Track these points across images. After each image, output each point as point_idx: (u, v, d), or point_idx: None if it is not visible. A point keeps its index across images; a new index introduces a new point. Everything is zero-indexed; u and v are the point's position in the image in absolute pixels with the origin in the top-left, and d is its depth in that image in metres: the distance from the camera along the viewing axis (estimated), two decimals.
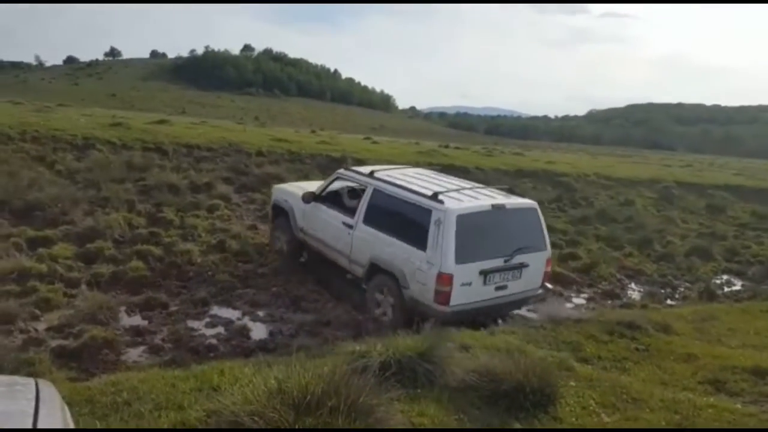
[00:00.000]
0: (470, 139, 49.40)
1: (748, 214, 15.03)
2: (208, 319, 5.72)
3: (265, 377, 3.19)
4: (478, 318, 5.80)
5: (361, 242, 6.30)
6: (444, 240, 5.41)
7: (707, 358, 4.48)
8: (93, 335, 4.92)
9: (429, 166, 14.69)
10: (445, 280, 5.35)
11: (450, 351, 3.98)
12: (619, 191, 16.12)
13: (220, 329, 5.52)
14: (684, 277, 9.58)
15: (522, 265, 5.91)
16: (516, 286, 5.93)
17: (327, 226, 6.90)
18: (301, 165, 13.07)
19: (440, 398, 3.41)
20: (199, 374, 3.66)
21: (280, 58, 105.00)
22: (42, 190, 8.87)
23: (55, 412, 1.41)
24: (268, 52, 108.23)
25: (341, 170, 7.46)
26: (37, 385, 1.52)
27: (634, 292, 8.64)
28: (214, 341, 5.19)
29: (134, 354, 4.90)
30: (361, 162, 13.89)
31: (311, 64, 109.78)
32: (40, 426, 1.29)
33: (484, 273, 5.60)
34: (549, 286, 6.54)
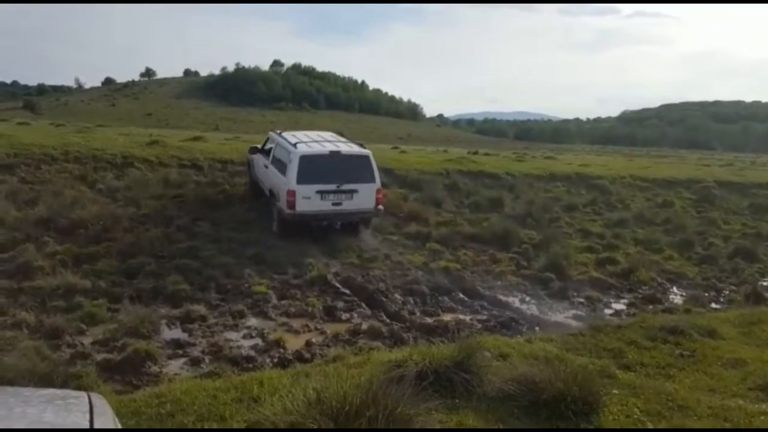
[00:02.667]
0: (500, 144, 48.95)
1: None
2: (245, 331, 5.83)
3: (304, 387, 3.22)
4: (323, 222, 9.25)
5: (269, 176, 9.81)
6: (292, 170, 8.81)
7: (757, 363, 4.28)
8: (136, 348, 5.07)
9: (458, 173, 14.69)
10: (290, 193, 8.75)
11: (487, 360, 3.94)
12: (656, 193, 15.68)
13: (258, 340, 5.62)
14: (728, 280, 9.22)
15: (353, 191, 9.09)
16: (349, 205, 9.12)
17: (260, 168, 10.56)
18: None
19: (479, 408, 3.37)
20: (239, 385, 3.72)
21: (308, 72, 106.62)
22: (84, 208, 9.24)
23: (109, 424, 1.45)
24: (296, 67, 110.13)
25: (271, 132, 10.84)
26: (89, 397, 1.57)
27: (677, 296, 8.36)
28: (252, 352, 5.27)
29: (175, 366, 5.02)
30: (390, 171, 13.95)
31: (339, 76, 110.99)
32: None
33: (321, 192, 8.89)
34: (381, 208, 9.50)
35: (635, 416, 3.36)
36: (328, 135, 10.69)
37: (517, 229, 10.70)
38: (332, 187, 8.95)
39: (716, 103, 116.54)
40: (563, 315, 7.15)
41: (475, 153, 21.19)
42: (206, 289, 6.95)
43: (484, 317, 6.69)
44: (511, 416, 3.31)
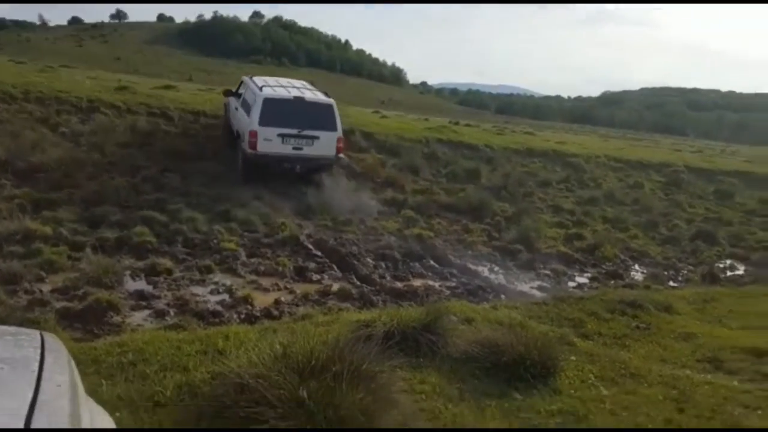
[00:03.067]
0: (481, 116, 48.82)
1: (755, 201, 14.90)
2: (212, 286, 5.75)
3: (270, 342, 3.22)
4: (283, 164, 9.40)
5: (238, 118, 10.20)
6: (255, 111, 9.16)
7: (707, 337, 4.49)
8: (98, 298, 4.95)
9: (438, 142, 14.64)
10: (252, 134, 9.09)
11: (453, 323, 4.00)
12: (628, 174, 16.00)
13: (225, 296, 5.57)
14: (688, 260, 9.57)
15: (314, 137, 9.41)
16: (310, 150, 9.44)
17: (231, 111, 10.95)
18: None
19: (441, 367, 3.45)
20: (204, 338, 3.70)
21: (289, 26, 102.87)
22: (45, 152, 8.87)
23: (61, 360, 1.41)
24: (277, 20, 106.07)
25: (244, 77, 11.12)
26: (42, 335, 1.53)
27: (638, 273, 8.64)
28: (218, 308, 5.22)
29: (139, 317, 4.95)
30: (370, 136, 13.81)
31: (322, 33, 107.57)
32: (45, 371, 1.29)
33: (282, 135, 9.23)
34: (342, 156, 9.93)
35: (590, 381, 3.50)
36: (297, 83, 11.04)
37: (492, 201, 10.81)
38: (294, 131, 9.33)
39: (694, 90, 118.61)
40: (528, 285, 7.33)
41: (456, 123, 21.11)
42: (173, 243, 6.82)
43: (453, 284, 6.80)
44: (472, 376, 3.39)
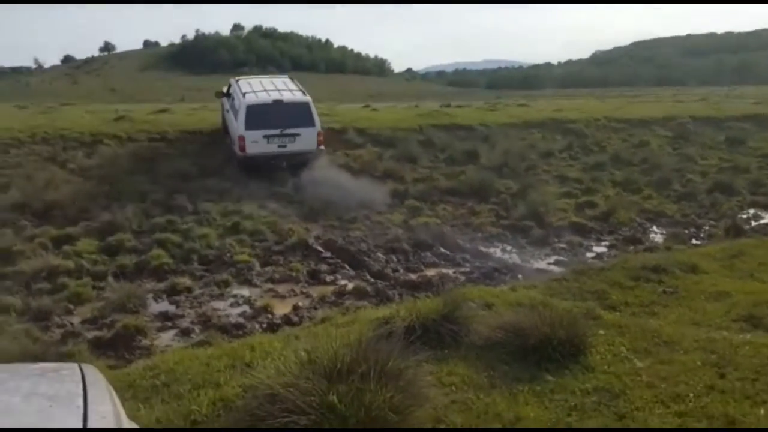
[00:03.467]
0: (472, 95, 48.30)
1: None
2: (232, 299, 5.84)
3: (295, 349, 3.24)
4: (271, 161, 10.27)
5: (229, 120, 11.22)
6: (241, 118, 10.23)
7: (740, 294, 4.40)
8: (125, 324, 5.08)
9: (431, 127, 14.53)
10: (240, 138, 10.18)
11: (473, 310, 3.99)
12: (631, 133, 15.73)
13: (245, 308, 5.64)
14: (708, 215, 9.42)
15: (295, 134, 10.41)
16: (293, 146, 10.43)
17: (224, 111, 12.03)
18: None
19: (467, 357, 3.44)
20: (231, 351, 3.73)
21: (270, 34, 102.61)
22: (58, 189, 9.02)
23: (103, 392, 1.48)
24: (257, 30, 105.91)
25: (231, 79, 12.22)
26: (81, 368, 1.60)
27: (657, 235, 8.54)
28: (240, 320, 5.30)
29: (166, 338, 5.03)
30: (363, 131, 13.75)
31: (302, 36, 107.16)
32: (89, 403, 1.37)
33: (267, 136, 10.23)
34: (323, 148, 10.74)
35: (622, 354, 3.46)
36: (279, 82, 11.90)
37: (494, 180, 10.72)
38: (276, 131, 10.35)
39: (688, 37, 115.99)
40: (545, 261, 7.29)
41: (448, 106, 20.85)
42: (189, 261, 6.91)
43: (467, 269, 6.79)
44: (500, 362, 3.38)
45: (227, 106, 11.65)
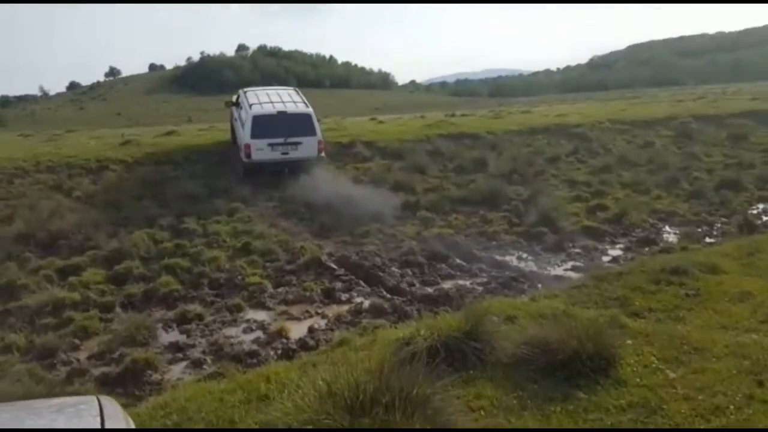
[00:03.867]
0: (475, 104, 48.52)
1: None
2: (244, 325, 5.69)
3: (313, 380, 3.10)
4: (274, 168, 11.00)
5: (237, 128, 12.11)
6: (247, 127, 11.02)
7: (763, 294, 4.25)
8: (134, 358, 4.93)
9: (439, 137, 14.48)
10: (247, 146, 10.97)
11: (495, 325, 3.84)
12: (635, 134, 15.65)
13: (259, 333, 5.49)
14: (719, 213, 9.28)
15: (297, 143, 11.14)
16: (296, 154, 11.14)
17: (232, 119, 12.95)
18: None
19: (494, 377, 3.29)
20: (245, 384, 3.59)
21: (275, 53, 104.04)
22: (63, 218, 8.93)
23: (120, 422, 1.47)
24: (262, 49, 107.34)
25: (240, 90, 12.98)
26: (99, 401, 1.57)
27: (670, 234, 8.39)
28: (254, 346, 5.15)
29: (177, 371, 4.88)
30: (371, 144, 13.72)
31: (306, 54, 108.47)
32: None
33: (271, 144, 10.99)
34: (323, 155, 11.48)
35: (653, 365, 3.30)
36: (284, 94, 12.56)
37: (504, 187, 10.64)
38: (280, 140, 11.07)
39: (682, 38, 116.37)
40: (562, 268, 7.14)
41: (453, 115, 20.91)
42: (199, 287, 6.78)
43: (484, 280, 6.64)
44: (528, 381, 3.23)
45: (236, 115, 12.41)
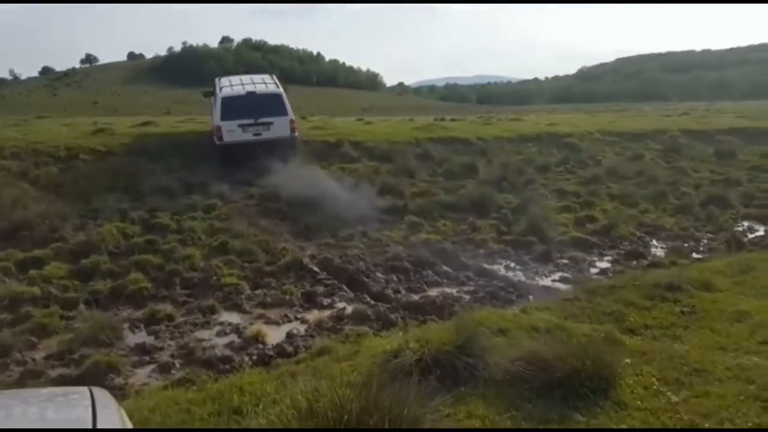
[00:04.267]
0: (464, 109, 48.61)
1: (758, 156, 14.56)
2: (218, 328, 5.35)
3: (291, 394, 2.82)
4: (247, 149, 10.85)
5: (212, 114, 12.08)
6: (217, 109, 11.16)
7: (760, 314, 4.11)
8: (96, 360, 4.57)
9: (428, 141, 14.29)
10: (218, 129, 11.04)
11: (488, 338, 3.60)
12: (625, 146, 15.65)
13: (233, 337, 5.16)
14: (705, 228, 9.22)
15: (269, 123, 11.16)
16: (268, 134, 11.15)
17: (211, 109, 12.65)
18: (296, 152, 12.46)
19: (487, 394, 3.05)
20: (216, 395, 3.29)
21: (260, 47, 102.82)
22: (27, 207, 8.46)
23: (112, 414, 1.42)
24: (247, 42, 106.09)
25: (216, 78, 13.05)
26: (91, 392, 1.53)
27: (658, 249, 8.28)
28: (227, 351, 4.82)
29: (142, 375, 4.53)
30: (359, 144, 13.46)
31: (293, 49, 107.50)
32: (99, 428, 1.32)
33: (242, 125, 11.00)
34: (296, 135, 11.60)
35: (653, 386, 3.10)
36: (257, 78, 12.74)
37: (494, 194, 10.46)
38: (251, 121, 11.06)
39: (669, 54, 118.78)
40: (550, 279, 6.96)
41: (442, 119, 20.77)
42: (171, 286, 6.42)
43: (472, 288, 6.41)
44: (523, 400, 3.00)
45: (212, 103, 12.46)
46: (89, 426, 1.32)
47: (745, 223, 9.60)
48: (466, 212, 9.68)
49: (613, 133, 16.57)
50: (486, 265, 7.25)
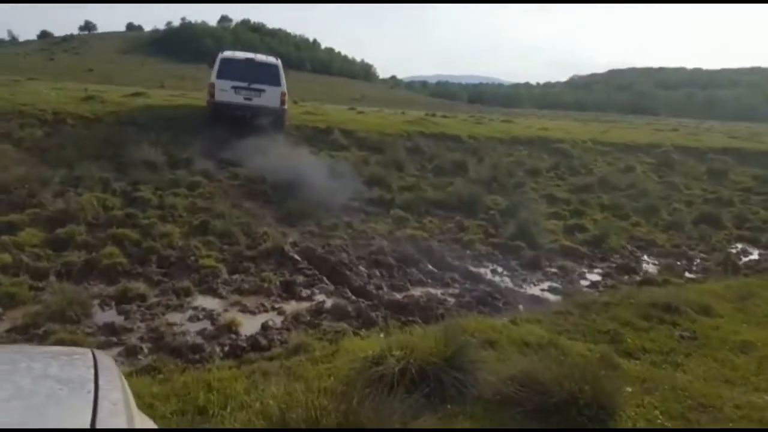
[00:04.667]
0: (454, 107, 48.37)
1: (750, 178, 14.64)
2: (191, 312, 5.06)
3: (263, 397, 2.59)
4: (236, 111, 11.37)
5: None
6: (215, 68, 11.57)
7: (766, 346, 3.95)
8: (61, 337, 4.29)
9: (420, 135, 14.05)
10: (211, 85, 11.53)
11: (476, 350, 3.39)
12: (617, 157, 15.61)
13: (206, 323, 4.88)
14: (698, 247, 9.13)
15: (261, 90, 11.55)
16: (258, 101, 11.54)
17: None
18: (286, 136, 12.17)
19: (475, 415, 2.84)
20: (182, 390, 3.04)
21: (258, 29, 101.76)
22: (7, 169, 8.08)
23: (115, 380, 1.43)
24: (245, 23, 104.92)
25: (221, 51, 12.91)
26: (93, 354, 1.56)
27: (650, 265, 8.16)
28: (198, 339, 4.55)
29: None
30: (349, 133, 13.18)
31: (290, 34, 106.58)
32: (101, 390, 1.32)
33: (234, 87, 11.42)
34: (285, 108, 11.90)
35: (657, 420, 2.92)
36: (261, 55, 12.99)
37: (483, 195, 10.29)
38: (244, 84, 11.46)
39: (661, 69, 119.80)
40: (538, 287, 6.79)
41: (433, 115, 20.53)
42: (146, 263, 6.12)
43: (457, 291, 6.20)
44: (514, 422, 2.79)
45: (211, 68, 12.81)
46: (90, 385, 1.33)
47: (739, 245, 9.54)
48: (454, 211, 9.48)
49: (606, 143, 16.52)
50: (472, 268, 7.05)
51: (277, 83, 11.69)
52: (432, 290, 6.22)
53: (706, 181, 14.09)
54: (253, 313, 5.17)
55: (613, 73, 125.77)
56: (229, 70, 11.50)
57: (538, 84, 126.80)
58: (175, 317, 4.97)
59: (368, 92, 66.62)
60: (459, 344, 3.19)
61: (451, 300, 5.92)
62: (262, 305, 5.33)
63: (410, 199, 9.70)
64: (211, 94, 11.47)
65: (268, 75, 11.74)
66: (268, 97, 11.58)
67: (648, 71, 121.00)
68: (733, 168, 15.38)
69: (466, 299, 5.90)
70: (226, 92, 11.37)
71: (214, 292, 5.53)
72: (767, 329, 4.43)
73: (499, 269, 7.29)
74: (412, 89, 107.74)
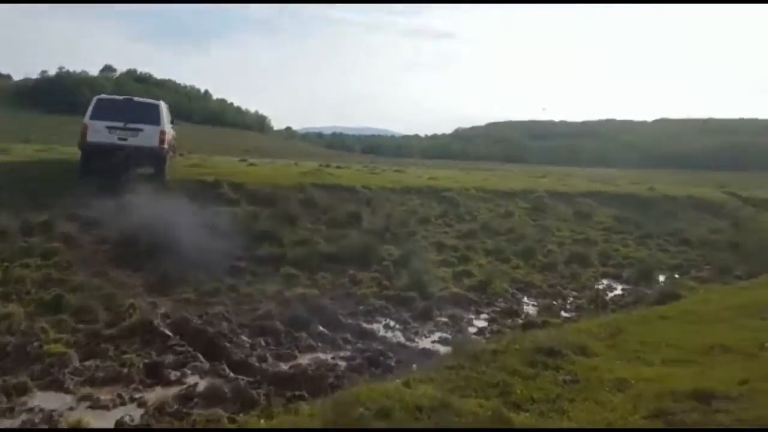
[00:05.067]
0: (348, 158, 49.26)
1: (611, 218, 16.17)
2: (24, 416, 4.16)
3: None
4: (110, 153, 10.68)
5: None
6: (89, 109, 11.05)
7: (639, 383, 4.09)
8: None
9: (313, 187, 13.82)
10: (84, 127, 10.89)
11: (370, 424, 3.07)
12: (497, 203, 16.49)
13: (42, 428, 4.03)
14: (570, 286, 9.74)
15: (138, 129, 10.93)
16: (134, 141, 10.90)
17: None
18: (167, 191, 11.23)
19: None
20: None
21: (144, 79, 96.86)
22: None
23: None
24: (131, 73, 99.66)
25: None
26: None
27: (530, 306, 8.52)
28: None
29: None
30: (239, 186, 12.59)
31: (180, 85, 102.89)
32: None
33: (109, 127, 10.80)
34: (165, 147, 11.30)
35: None
36: (144, 99, 12.59)
37: (377, 245, 10.22)
38: (120, 124, 10.89)
39: (532, 122, 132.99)
40: (429, 339, 6.71)
41: (328, 166, 20.55)
42: None
43: (348, 354, 5.89)
44: None
45: None
46: None
47: (605, 281, 10.35)
48: (348, 263, 9.27)
49: (488, 190, 17.47)
50: (365, 324, 6.83)
51: (156, 122, 11.16)
52: (322, 355, 5.86)
53: (574, 223, 15.35)
54: (106, 408, 4.39)
55: (492, 126, 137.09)
56: (105, 110, 10.99)
57: (426, 135, 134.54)
58: (4, 424, 4.05)
59: (262, 144, 65.68)
60: (351, 420, 2.86)
61: (342, 364, 5.59)
62: (119, 396, 4.55)
63: (303, 254, 9.33)
64: (83, 135, 10.77)
65: (148, 114, 11.21)
66: (146, 136, 10.93)
67: (522, 124, 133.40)
68: (596, 209, 16.96)
69: (358, 361, 5.62)
70: (99, 133, 10.70)
71: (59, 386, 4.65)
72: (636, 364, 4.64)
73: (392, 323, 7.14)
74: (308, 140, 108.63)
